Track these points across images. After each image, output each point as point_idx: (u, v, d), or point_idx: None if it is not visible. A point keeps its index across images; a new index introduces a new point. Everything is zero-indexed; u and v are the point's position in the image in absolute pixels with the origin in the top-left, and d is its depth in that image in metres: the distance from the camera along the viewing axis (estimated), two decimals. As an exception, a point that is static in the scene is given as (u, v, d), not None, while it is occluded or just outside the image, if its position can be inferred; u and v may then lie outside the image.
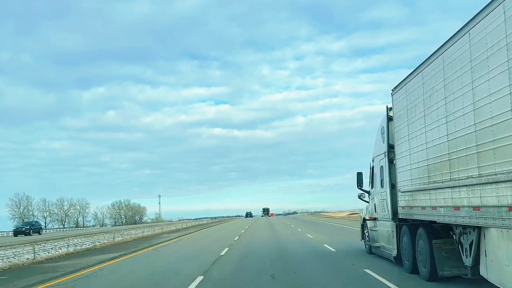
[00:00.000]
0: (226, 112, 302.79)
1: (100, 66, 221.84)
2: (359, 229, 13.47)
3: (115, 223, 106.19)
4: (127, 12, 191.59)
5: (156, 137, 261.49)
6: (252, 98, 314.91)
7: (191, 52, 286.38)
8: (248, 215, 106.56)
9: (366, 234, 12.07)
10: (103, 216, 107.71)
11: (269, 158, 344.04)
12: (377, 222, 10.72)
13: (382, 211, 9.94)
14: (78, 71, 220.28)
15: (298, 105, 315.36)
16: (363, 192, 12.40)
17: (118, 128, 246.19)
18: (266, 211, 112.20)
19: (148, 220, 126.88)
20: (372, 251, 11.42)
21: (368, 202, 12.30)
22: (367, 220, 11.98)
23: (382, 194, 9.93)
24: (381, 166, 10.08)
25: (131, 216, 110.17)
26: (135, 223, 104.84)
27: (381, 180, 10.13)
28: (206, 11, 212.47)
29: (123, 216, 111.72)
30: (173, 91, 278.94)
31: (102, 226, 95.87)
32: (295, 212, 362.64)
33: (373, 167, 11.52)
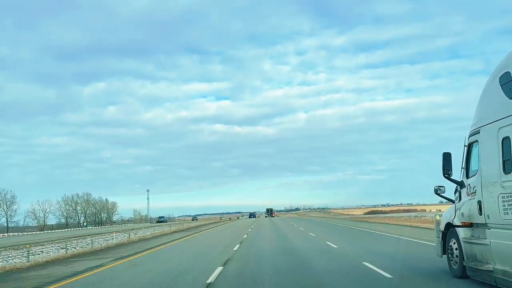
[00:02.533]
0: (227, 108, 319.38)
1: (100, 61, 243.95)
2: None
3: (67, 224, 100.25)
4: (127, 5, 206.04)
5: (157, 133, 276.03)
6: (253, 94, 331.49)
7: (192, 46, 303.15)
8: (252, 215, 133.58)
9: (455, 248, 9.48)
10: (45, 215, 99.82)
11: (270, 155, 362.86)
12: (488, 231, 8.02)
13: (506, 213, 7.23)
14: (78, 66, 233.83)
15: (299, 101, 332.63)
16: (442, 186, 9.92)
17: (118, 123, 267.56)
18: (269, 212, 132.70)
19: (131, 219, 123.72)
20: (469, 274, 8.85)
21: (453, 200, 9.88)
22: (458, 227, 9.39)
23: (507, 185, 7.20)
24: (505, 138, 7.33)
25: (93, 214, 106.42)
26: (100, 224, 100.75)
27: (503, 162, 7.39)
28: (207, 5, 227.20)
29: (80, 214, 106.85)
30: (173, 86, 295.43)
31: (43, 230, 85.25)
32: (297, 209, 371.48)
33: (472, 143, 8.91)
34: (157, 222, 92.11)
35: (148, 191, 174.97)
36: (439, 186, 10.03)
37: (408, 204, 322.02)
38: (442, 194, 10.11)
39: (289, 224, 51.13)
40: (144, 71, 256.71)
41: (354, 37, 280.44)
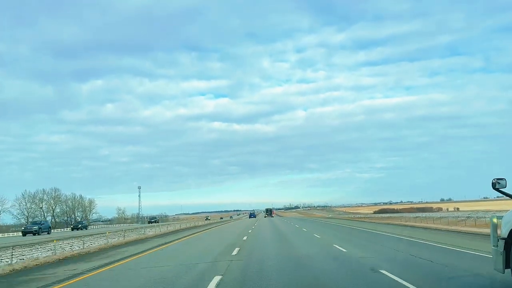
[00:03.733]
0: (225, 106, 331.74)
1: (98, 58, 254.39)
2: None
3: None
4: (125, 2, 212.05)
5: (156, 131, 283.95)
6: (252, 91, 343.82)
7: (190, 44, 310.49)
8: (252, 215, 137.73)
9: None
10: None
11: (269, 152, 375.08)
12: None
13: None
14: (75, 63, 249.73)
15: (298, 98, 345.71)
16: (503, 179, 8.23)
17: (117, 121, 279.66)
18: (268, 212, 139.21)
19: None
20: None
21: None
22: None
23: None
24: None
25: (65, 212, 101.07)
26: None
27: None
28: (205, 2, 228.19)
29: (46, 213, 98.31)
30: (172, 83, 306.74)
31: None
32: (297, 207, 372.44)
33: None
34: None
35: (139, 188, 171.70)
36: (498, 179, 8.26)
37: (408, 201, 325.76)
38: (502, 189, 8.33)
39: (294, 227, 44.85)
40: (143, 68, 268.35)
41: (353, 34, 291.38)
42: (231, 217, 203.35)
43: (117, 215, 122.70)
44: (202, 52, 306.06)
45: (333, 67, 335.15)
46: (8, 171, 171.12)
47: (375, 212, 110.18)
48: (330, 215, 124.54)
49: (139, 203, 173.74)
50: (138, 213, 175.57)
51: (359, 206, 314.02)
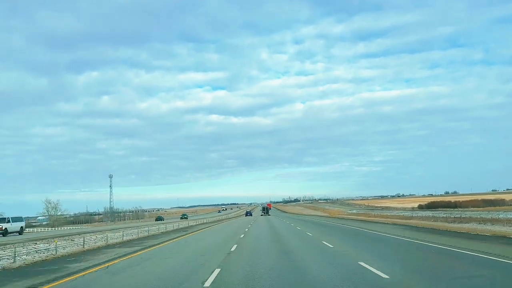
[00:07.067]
0: (223, 98, 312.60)
1: (93, 49, 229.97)
2: None
3: None
4: None
5: (152, 123, 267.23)
6: (250, 84, 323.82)
7: (187, 34, 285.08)
8: (248, 213, 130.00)
9: None
10: None
11: (267, 146, 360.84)
12: None
13: None
14: (71, 54, 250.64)
15: (297, 91, 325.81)
16: None
17: (113, 113, 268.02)
18: (265, 210, 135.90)
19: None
20: None
21: None
22: None
23: None
24: None
25: None
26: None
27: None
28: None
29: None
30: (169, 75, 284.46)
31: None
32: (296, 200, 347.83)
33: None
34: None
35: (110, 176, 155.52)
36: None
37: (410, 195, 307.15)
38: None
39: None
40: (139, 59, 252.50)
41: (353, 25, 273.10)
42: (183, 216, 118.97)
43: (46, 211, 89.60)
44: (199, 43, 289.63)
45: (332, 59, 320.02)
46: (4, 164, 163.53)
47: (420, 208, 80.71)
48: (354, 210, 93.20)
49: (111, 195, 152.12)
50: (110, 207, 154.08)
51: (359, 198, 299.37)
